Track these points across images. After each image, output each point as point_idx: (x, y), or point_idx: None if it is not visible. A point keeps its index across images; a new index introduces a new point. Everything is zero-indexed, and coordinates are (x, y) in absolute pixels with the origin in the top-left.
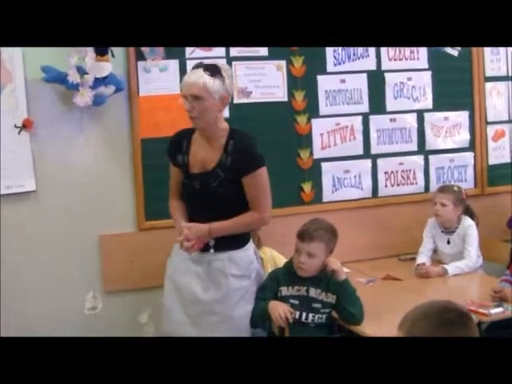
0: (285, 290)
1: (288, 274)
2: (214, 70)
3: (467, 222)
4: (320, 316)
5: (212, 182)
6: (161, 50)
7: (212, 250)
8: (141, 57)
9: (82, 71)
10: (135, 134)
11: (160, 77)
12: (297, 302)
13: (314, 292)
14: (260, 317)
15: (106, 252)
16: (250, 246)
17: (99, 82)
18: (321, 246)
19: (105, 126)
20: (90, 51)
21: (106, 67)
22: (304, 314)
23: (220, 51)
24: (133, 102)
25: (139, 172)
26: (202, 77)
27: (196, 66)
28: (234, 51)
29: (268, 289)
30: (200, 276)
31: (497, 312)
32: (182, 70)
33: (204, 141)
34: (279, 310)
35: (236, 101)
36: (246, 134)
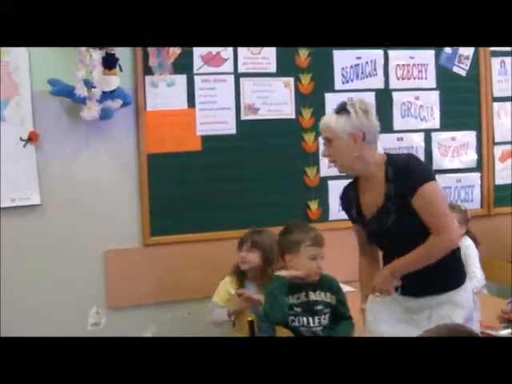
0: None
1: (285, 286)
2: (338, 108)
3: (466, 241)
4: (324, 317)
5: (388, 218)
6: (169, 64)
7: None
8: (148, 71)
9: (89, 85)
10: (142, 149)
11: (167, 92)
12: (300, 309)
13: (313, 295)
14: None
15: (111, 267)
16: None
17: (106, 95)
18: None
19: (111, 141)
20: (97, 65)
21: (113, 81)
22: (310, 319)
23: (229, 67)
24: (140, 117)
25: (145, 187)
26: (329, 118)
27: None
28: (243, 68)
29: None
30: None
31: (506, 334)
32: (190, 85)
33: (365, 183)
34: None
35: (243, 117)
36: (403, 154)
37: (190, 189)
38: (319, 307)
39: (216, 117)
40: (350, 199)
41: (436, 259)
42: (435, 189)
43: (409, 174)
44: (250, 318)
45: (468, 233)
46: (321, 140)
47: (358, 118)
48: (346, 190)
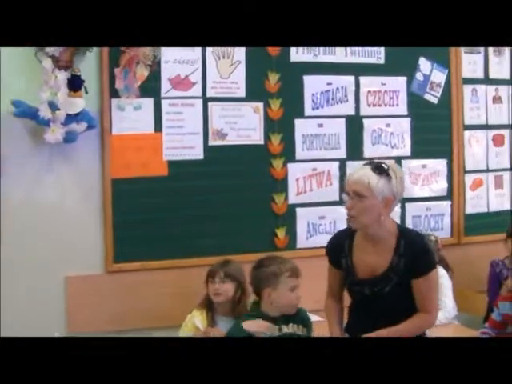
0: None
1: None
2: (380, 169)
3: (440, 271)
4: None
5: (384, 286)
6: (135, 87)
7: None
8: (115, 94)
9: (53, 107)
10: (106, 174)
11: (134, 115)
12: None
13: (286, 328)
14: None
15: (72, 293)
16: None
17: (71, 118)
18: None
19: (75, 164)
20: (62, 86)
21: (78, 103)
22: None
23: (197, 91)
24: (105, 140)
25: (109, 213)
26: (367, 174)
27: (364, 164)
28: (211, 92)
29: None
30: None
31: None
32: (157, 109)
33: (370, 243)
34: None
35: (211, 143)
36: (418, 233)
37: (155, 215)
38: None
39: (183, 142)
40: (343, 249)
41: (416, 335)
42: (436, 275)
43: (423, 258)
44: None
45: (441, 262)
46: (295, 168)
47: (397, 185)
48: (342, 237)
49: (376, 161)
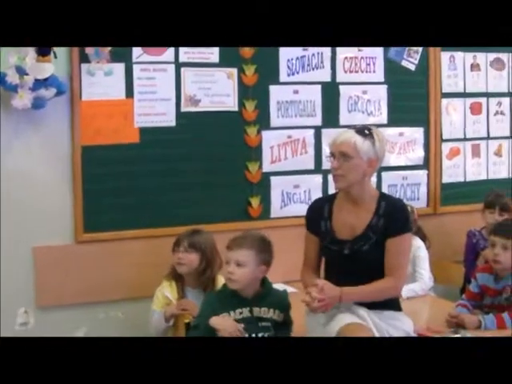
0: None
1: (227, 298)
2: (365, 132)
3: (417, 242)
4: (268, 335)
5: (363, 245)
6: (106, 52)
7: None
8: (85, 59)
9: (21, 72)
10: (76, 141)
11: (104, 81)
12: (242, 325)
13: (258, 311)
14: None
15: (40, 265)
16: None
17: (40, 83)
18: (250, 254)
19: (44, 131)
20: (30, 51)
21: (47, 68)
22: (253, 335)
23: (169, 56)
24: (75, 107)
25: (79, 181)
26: (354, 136)
27: (349, 128)
28: (184, 57)
29: (203, 316)
30: None
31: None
32: (128, 75)
33: (350, 205)
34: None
35: (183, 109)
36: (399, 199)
37: (126, 183)
38: (265, 323)
39: (155, 108)
40: (323, 212)
41: (380, 299)
42: (409, 241)
43: (399, 218)
44: (187, 321)
45: (418, 232)
46: (270, 135)
47: (381, 147)
48: (322, 202)
49: (359, 125)
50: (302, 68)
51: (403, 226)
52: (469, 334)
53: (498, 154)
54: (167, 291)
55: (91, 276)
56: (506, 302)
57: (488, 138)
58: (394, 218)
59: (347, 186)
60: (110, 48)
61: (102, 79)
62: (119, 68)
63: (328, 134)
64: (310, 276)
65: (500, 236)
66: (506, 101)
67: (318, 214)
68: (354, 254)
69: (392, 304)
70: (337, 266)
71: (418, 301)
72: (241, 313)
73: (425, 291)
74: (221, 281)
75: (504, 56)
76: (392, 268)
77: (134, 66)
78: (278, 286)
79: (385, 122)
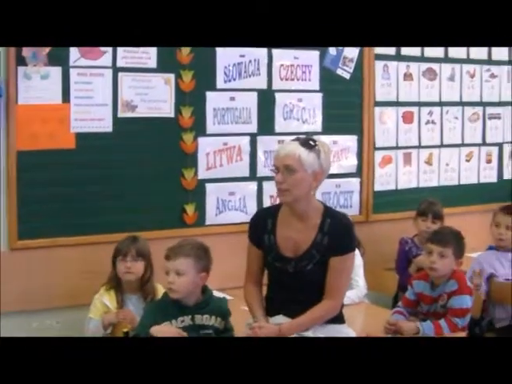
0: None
1: (168, 307)
2: (309, 144)
3: None
4: None
5: (307, 264)
6: (43, 55)
7: None
8: (21, 62)
9: None
10: (11, 145)
11: (41, 84)
12: (185, 334)
13: (200, 318)
14: None
15: None
16: None
17: None
18: (189, 262)
19: None
20: None
21: None
22: None
23: (107, 60)
24: (10, 111)
25: (13, 186)
26: (298, 148)
27: (292, 140)
28: (122, 62)
29: (143, 326)
30: None
31: None
32: (65, 79)
33: (295, 219)
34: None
35: (120, 115)
36: (344, 214)
37: (61, 189)
38: (207, 331)
39: (91, 113)
40: (266, 225)
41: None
42: (353, 260)
43: (344, 237)
44: (125, 330)
45: None
46: (205, 142)
47: (326, 159)
48: (265, 213)
49: (304, 136)
50: (238, 75)
51: (347, 245)
52: None
53: (429, 162)
54: (106, 299)
55: (25, 283)
56: (441, 309)
57: (419, 146)
58: (338, 236)
59: (292, 200)
60: (47, 50)
61: (38, 83)
62: (56, 72)
63: (263, 142)
64: (253, 294)
65: (436, 244)
66: (436, 110)
67: (262, 227)
68: (298, 272)
69: (335, 318)
70: (280, 283)
71: (354, 308)
72: (182, 321)
73: (360, 298)
74: (160, 289)
75: (436, 66)
76: (332, 289)
77: (71, 70)
78: (215, 294)
79: (319, 129)
